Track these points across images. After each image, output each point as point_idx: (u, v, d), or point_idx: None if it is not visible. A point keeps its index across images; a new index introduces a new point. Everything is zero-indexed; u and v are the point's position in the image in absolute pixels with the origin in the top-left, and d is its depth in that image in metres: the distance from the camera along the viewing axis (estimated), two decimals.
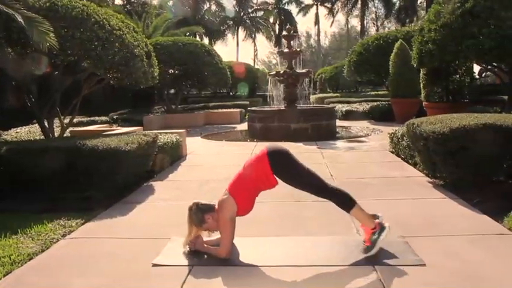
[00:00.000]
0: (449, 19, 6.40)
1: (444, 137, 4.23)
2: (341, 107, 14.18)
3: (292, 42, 10.38)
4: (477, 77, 14.78)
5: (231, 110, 15.14)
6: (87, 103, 14.30)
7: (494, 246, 2.92)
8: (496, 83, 16.34)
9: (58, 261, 2.94)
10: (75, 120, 11.13)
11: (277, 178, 2.85)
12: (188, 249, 2.93)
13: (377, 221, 2.84)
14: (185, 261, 2.80)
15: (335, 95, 20.62)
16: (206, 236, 3.02)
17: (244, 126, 11.55)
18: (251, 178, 2.85)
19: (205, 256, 2.87)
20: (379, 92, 20.43)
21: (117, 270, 2.74)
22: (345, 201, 2.85)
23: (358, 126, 11.39)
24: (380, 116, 12.61)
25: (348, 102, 15.88)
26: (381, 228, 2.77)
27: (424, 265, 2.65)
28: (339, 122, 12.43)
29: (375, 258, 2.74)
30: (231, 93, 25.60)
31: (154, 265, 2.78)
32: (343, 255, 2.83)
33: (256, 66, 42.22)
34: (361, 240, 3.00)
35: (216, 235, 3.00)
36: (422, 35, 7.06)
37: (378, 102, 13.90)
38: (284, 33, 11.05)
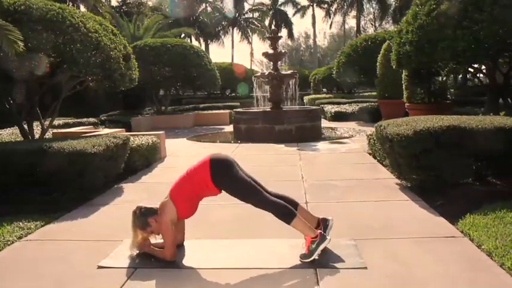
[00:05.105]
0: (425, 21, 6.41)
1: (408, 140, 4.23)
2: (330, 108, 14.19)
3: (277, 43, 10.39)
4: (475, 78, 14.76)
5: (221, 111, 15.16)
6: (82, 104, 14.41)
7: (441, 249, 2.93)
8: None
9: (7, 264, 2.96)
10: (61, 121, 11.21)
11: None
12: (136, 251, 2.95)
13: (319, 231, 2.83)
14: (130, 264, 2.82)
15: (328, 96, 20.62)
16: (154, 239, 3.03)
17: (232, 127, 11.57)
18: (191, 183, 2.86)
19: (152, 259, 2.88)
20: (373, 93, 20.42)
21: (62, 272, 2.76)
22: (284, 215, 2.82)
23: (345, 127, 11.41)
24: (368, 117, 12.62)
25: (339, 103, 15.89)
26: (322, 238, 2.75)
27: (365, 268, 2.66)
28: (327, 123, 12.49)
29: (318, 261, 2.76)
30: (226, 94, 25.69)
31: (100, 267, 2.80)
32: (288, 258, 2.84)
33: (253, 67, 42.39)
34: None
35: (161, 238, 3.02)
36: (401, 37, 7.08)
37: (367, 104, 13.90)
38: (267, 34, 11.07)
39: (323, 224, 3.02)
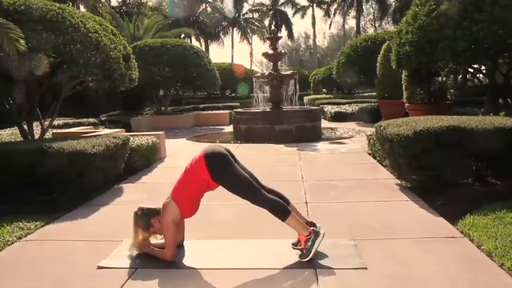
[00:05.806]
0: (425, 21, 6.41)
1: (408, 140, 4.23)
2: (330, 109, 14.19)
3: (276, 44, 10.39)
4: (475, 78, 14.76)
5: (220, 111, 15.17)
6: (82, 104, 14.42)
7: (441, 249, 2.93)
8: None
9: (7, 264, 2.96)
10: (61, 122, 11.21)
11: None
12: (136, 252, 2.95)
13: (311, 228, 2.84)
14: (130, 264, 2.82)
15: (327, 96, 20.62)
16: (154, 239, 3.03)
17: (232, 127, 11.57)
18: (190, 181, 2.86)
19: (152, 259, 2.88)
20: (373, 93, 20.41)
21: (62, 272, 2.76)
22: (279, 212, 2.83)
23: (344, 127, 11.40)
24: (368, 117, 12.62)
25: (339, 104, 15.89)
26: (315, 234, 2.77)
27: (365, 268, 2.66)
28: (327, 124, 12.49)
29: (318, 261, 2.76)
30: (226, 94, 25.69)
31: (100, 267, 2.80)
32: (288, 258, 2.84)
33: (253, 67, 42.40)
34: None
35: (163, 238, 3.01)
36: (400, 37, 7.08)
37: (367, 104, 13.89)
38: (267, 35, 11.08)
39: (310, 226, 3.00)
